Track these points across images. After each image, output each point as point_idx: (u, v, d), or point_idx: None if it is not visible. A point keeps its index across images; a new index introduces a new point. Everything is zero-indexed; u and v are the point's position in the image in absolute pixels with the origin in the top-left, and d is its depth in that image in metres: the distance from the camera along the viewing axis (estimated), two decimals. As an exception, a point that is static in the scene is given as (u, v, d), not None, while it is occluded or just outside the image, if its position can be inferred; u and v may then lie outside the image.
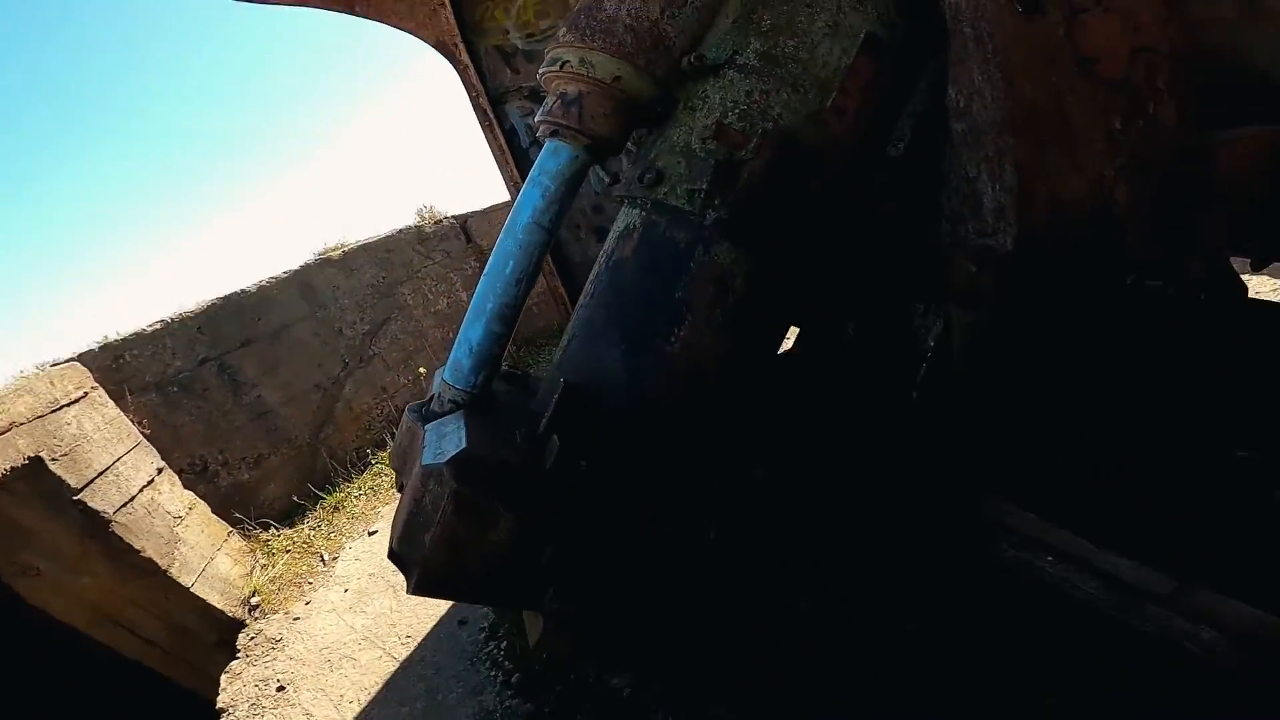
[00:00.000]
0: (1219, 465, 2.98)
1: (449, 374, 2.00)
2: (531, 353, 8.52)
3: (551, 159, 2.02)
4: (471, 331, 1.99)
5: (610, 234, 2.09)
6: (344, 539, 5.38)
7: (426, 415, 1.94)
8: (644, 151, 2.09)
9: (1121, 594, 1.91)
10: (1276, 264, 3.58)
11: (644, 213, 1.99)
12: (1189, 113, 2.53)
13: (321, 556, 5.19)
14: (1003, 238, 1.92)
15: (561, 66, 1.97)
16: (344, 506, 5.92)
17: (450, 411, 1.94)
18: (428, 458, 1.69)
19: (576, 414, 1.81)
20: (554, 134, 2.01)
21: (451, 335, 7.52)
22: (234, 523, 5.45)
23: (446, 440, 1.76)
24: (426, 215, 8.41)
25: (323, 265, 6.75)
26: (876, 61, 1.92)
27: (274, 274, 6.39)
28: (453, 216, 8.45)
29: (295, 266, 6.56)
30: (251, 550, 5.30)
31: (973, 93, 1.83)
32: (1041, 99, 1.89)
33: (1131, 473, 2.55)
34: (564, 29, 2.01)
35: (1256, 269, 3.65)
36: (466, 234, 8.50)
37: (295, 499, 6.10)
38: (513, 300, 1.97)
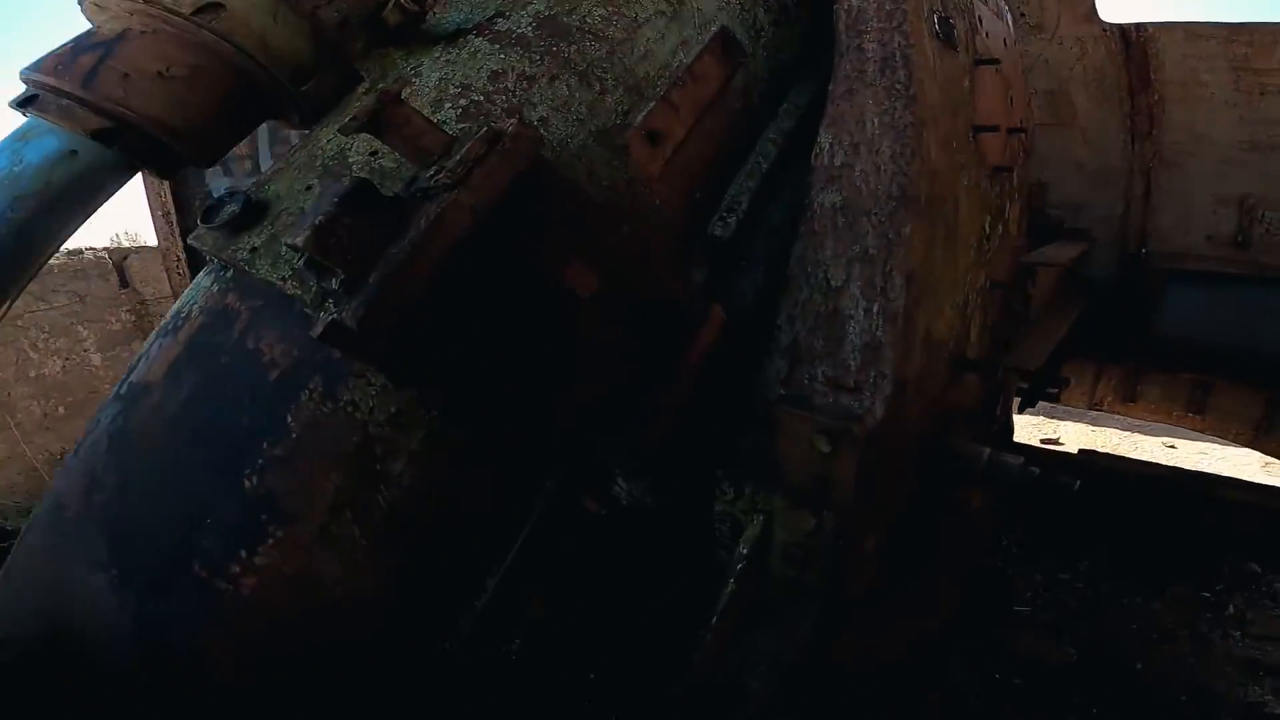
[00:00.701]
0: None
1: None
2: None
3: (9, 153, 0.97)
4: None
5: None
6: None
7: None
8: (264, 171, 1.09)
9: None
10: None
11: (216, 286, 0.93)
12: (1025, 222, 2.09)
13: None
14: (869, 396, 1.12)
15: None
16: None
17: None
18: None
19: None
20: (30, 103, 1.00)
21: (62, 411, 5.64)
22: None
23: None
24: (129, 243, 6.50)
25: None
26: (727, 72, 1.11)
27: None
28: (105, 249, 6.39)
29: None
30: None
31: (860, 144, 1.06)
32: (943, 171, 1.18)
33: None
34: None
35: (1023, 408, 3.42)
36: (122, 274, 6.43)
37: None
38: None
